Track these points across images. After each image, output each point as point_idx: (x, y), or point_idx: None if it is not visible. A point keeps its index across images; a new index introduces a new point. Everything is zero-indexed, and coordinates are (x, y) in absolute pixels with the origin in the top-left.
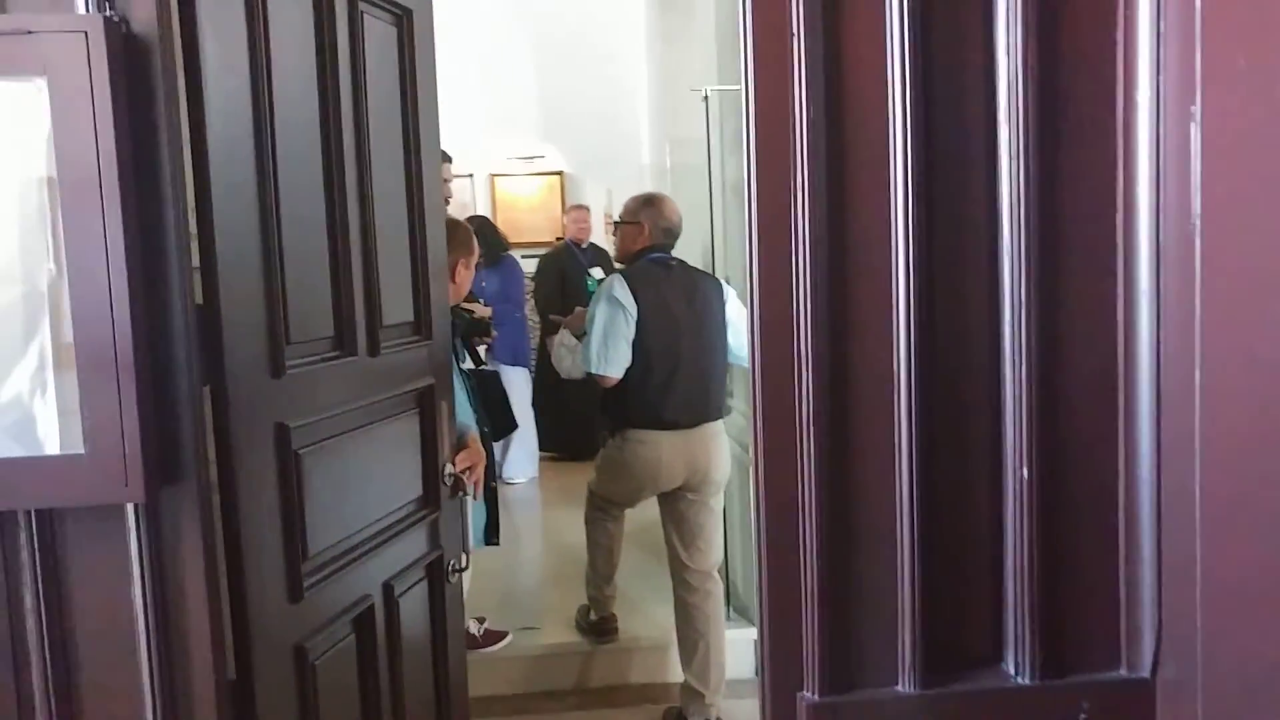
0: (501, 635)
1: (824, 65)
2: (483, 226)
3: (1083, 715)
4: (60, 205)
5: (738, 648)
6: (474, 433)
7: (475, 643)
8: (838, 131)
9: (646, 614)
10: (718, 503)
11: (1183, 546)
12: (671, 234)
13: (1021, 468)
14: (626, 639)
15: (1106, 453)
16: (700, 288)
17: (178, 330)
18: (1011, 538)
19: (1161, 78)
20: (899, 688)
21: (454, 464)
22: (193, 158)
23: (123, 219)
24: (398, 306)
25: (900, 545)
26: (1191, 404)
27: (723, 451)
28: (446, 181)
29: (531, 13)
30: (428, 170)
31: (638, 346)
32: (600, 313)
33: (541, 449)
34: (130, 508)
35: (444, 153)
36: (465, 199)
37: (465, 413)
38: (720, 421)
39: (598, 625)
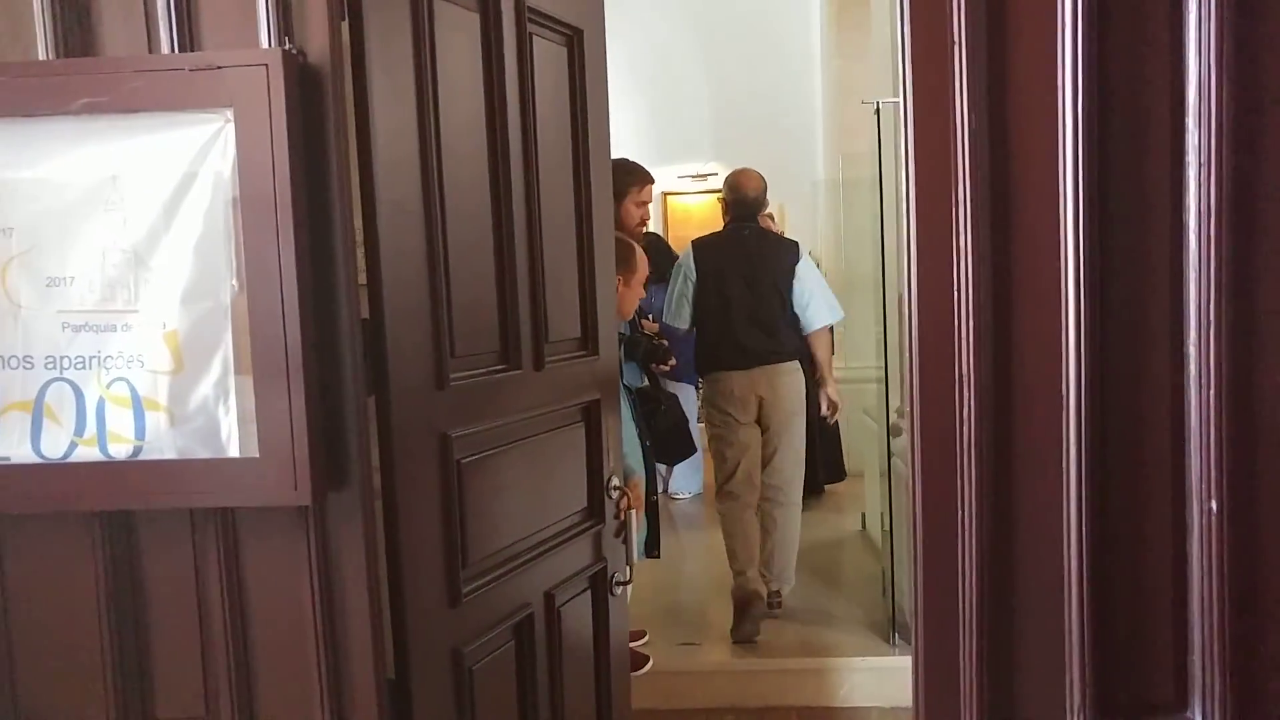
0: (644, 659)
1: (987, 73)
2: (653, 243)
3: None
4: (243, 227)
5: (901, 674)
6: (636, 478)
7: None
8: (1002, 141)
9: (808, 637)
10: (790, 433)
11: None
12: (747, 202)
13: (1209, 499)
14: (787, 661)
15: None
16: (766, 251)
17: (344, 342)
18: (1198, 576)
19: None
20: None
21: (619, 478)
22: (360, 179)
23: (295, 237)
24: (564, 322)
25: (1067, 578)
26: None
27: (787, 387)
28: (646, 203)
29: (703, 32)
30: (597, 187)
31: (700, 302)
32: (673, 277)
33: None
34: (302, 509)
35: (646, 172)
36: None
37: (631, 443)
38: (786, 364)
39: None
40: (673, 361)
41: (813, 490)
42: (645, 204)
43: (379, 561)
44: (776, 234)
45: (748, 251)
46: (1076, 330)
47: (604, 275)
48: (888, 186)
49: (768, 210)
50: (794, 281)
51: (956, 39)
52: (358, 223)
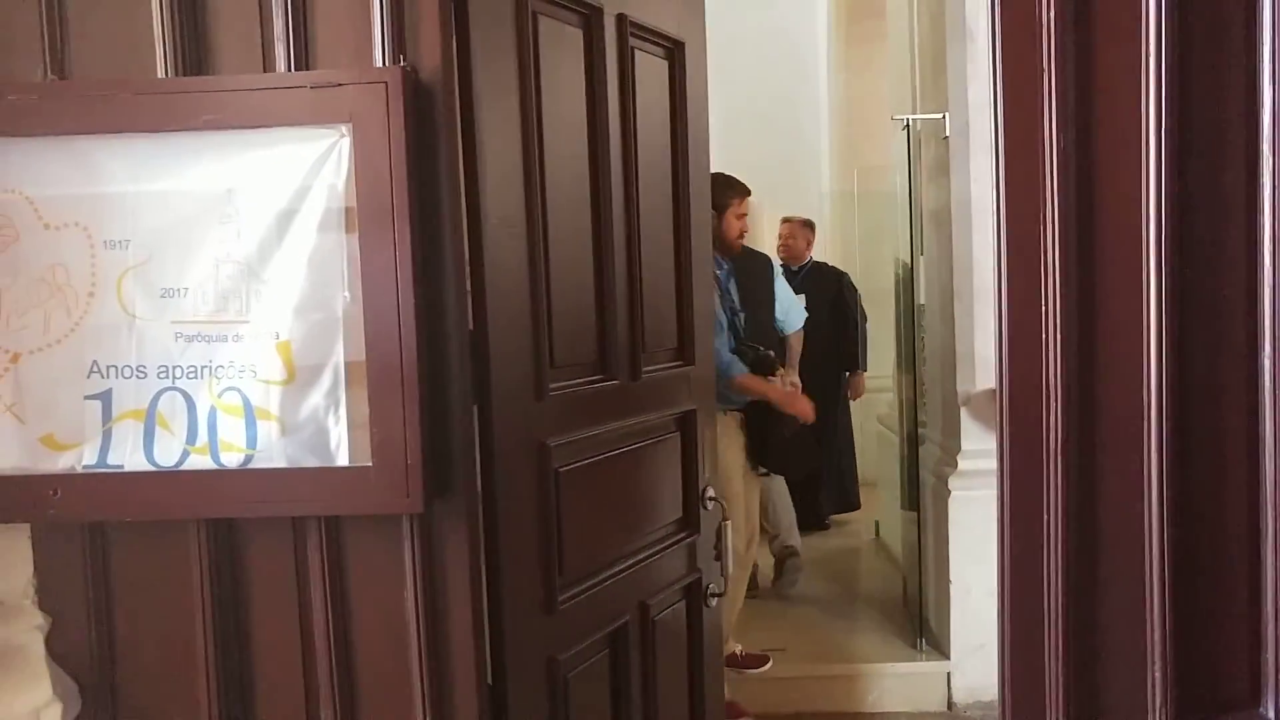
0: (764, 659)
1: (1075, 97)
2: None
3: None
4: (359, 239)
5: (930, 680)
6: None
7: (736, 661)
8: (1087, 162)
9: (833, 644)
10: None
11: None
12: None
13: None
14: (816, 667)
15: None
16: (754, 265)
17: (453, 353)
18: (1271, 578)
19: None
20: None
21: (715, 489)
22: (466, 193)
23: (411, 250)
24: (662, 332)
25: (1149, 580)
26: None
27: None
28: (745, 215)
29: (710, 43)
30: (696, 198)
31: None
32: None
33: None
34: (405, 517)
35: (745, 186)
36: None
37: None
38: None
39: None
40: (781, 371)
41: (813, 524)
42: (744, 216)
43: (480, 568)
44: (750, 249)
45: (743, 265)
46: (1158, 345)
47: (701, 286)
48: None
49: (805, 219)
50: (774, 290)
51: (1046, 66)
52: None
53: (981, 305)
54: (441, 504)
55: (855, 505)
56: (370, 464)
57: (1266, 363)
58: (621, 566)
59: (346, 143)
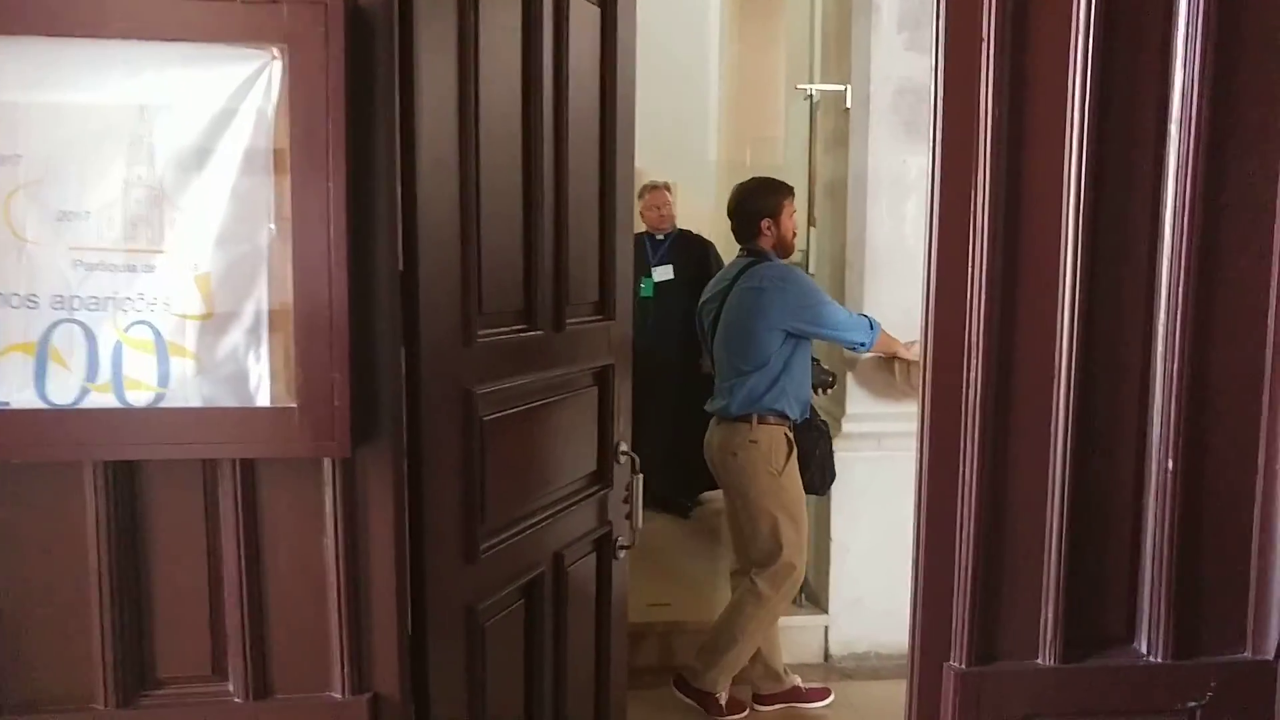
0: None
1: (1010, 74)
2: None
3: (1209, 693)
4: (291, 170)
5: (808, 633)
6: None
7: (800, 696)
8: (1018, 134)
9: (718, 600)
10: None
11: None
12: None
13: (1167, 460)
14: (703, 621)
15: (1247, 451)
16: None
17: (381, 294)
18: (1152, 527)
19: None
20: (1039, 661)
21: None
22: (401, 131)
23: (344, 185)
24: (585, 285)
25: (1048, 530)
26: None
27: None
28: (794, 212)
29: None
30: (621, 154)
31: None
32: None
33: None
34: (327, 462)
35: (788, 185)
36: None
37: None
38: None
39: None
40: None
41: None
42: (794, 214)
43: (404, 515)
44: None
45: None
46: (1071, 310)
47: (624, 240)
48: (803, 171)
49: (664, 183)
50: None
51: (986, 36)
52: None
53: (872, 275)
54: (366, 449)
55: None
56: (294, 405)
57: (1160, 329)
58: (540, 517)
59: (278, 66)
